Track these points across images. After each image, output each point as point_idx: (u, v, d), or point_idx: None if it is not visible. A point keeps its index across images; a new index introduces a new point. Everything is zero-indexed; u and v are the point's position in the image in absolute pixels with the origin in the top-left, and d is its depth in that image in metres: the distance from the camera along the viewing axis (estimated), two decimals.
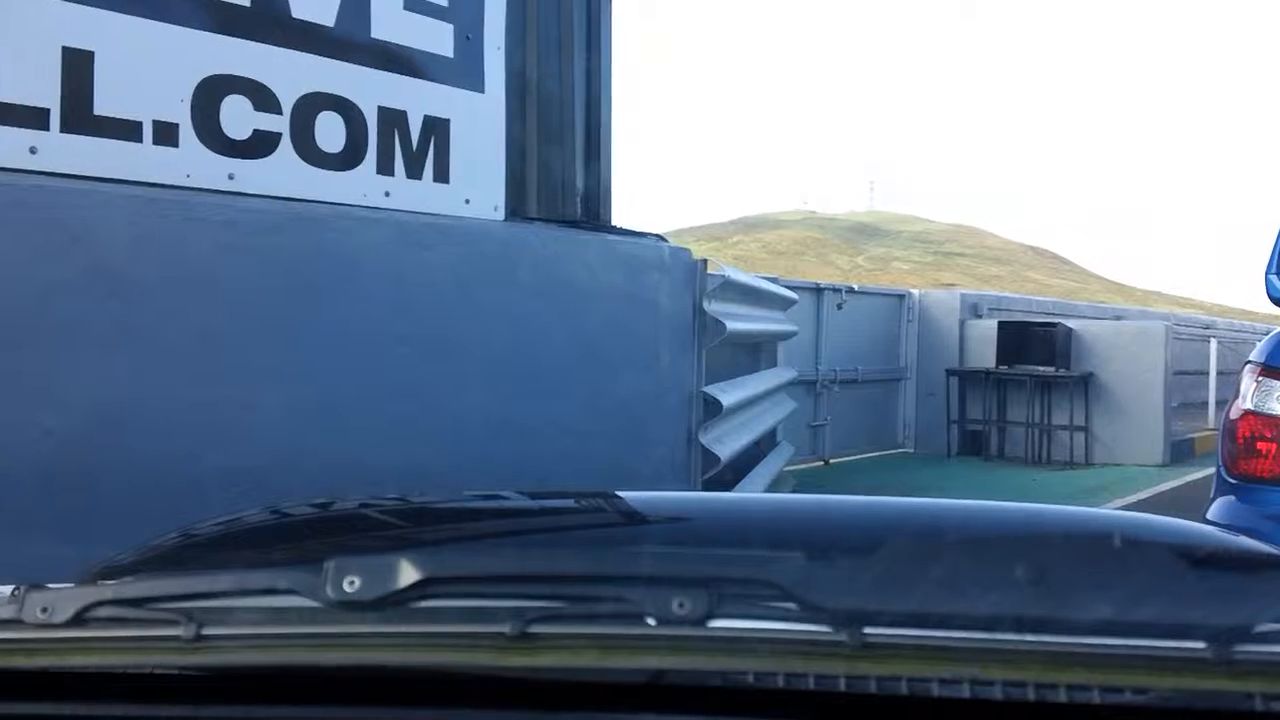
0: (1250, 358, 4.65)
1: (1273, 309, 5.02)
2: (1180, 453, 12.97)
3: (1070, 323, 13.63)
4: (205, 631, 1.00)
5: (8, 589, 1.11)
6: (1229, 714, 0.90)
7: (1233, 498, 4.58)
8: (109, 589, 1.11)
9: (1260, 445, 4.46)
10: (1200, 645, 0.90)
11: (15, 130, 3.53)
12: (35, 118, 3.57)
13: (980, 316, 14.01)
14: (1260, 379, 4.50)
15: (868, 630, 0.93)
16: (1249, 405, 4.51)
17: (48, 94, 3.60)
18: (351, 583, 1.02)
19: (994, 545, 1.31)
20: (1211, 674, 0.90)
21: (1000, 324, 13.41)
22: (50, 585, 1.10)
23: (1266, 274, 4.91)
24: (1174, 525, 1.46)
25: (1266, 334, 4.72)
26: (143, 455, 3.55)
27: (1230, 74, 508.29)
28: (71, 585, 1.14)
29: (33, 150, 3.55)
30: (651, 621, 0.97)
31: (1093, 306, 21.09)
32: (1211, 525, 4.31)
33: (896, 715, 0.94)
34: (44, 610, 1.04)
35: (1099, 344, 13.16)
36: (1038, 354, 13.00)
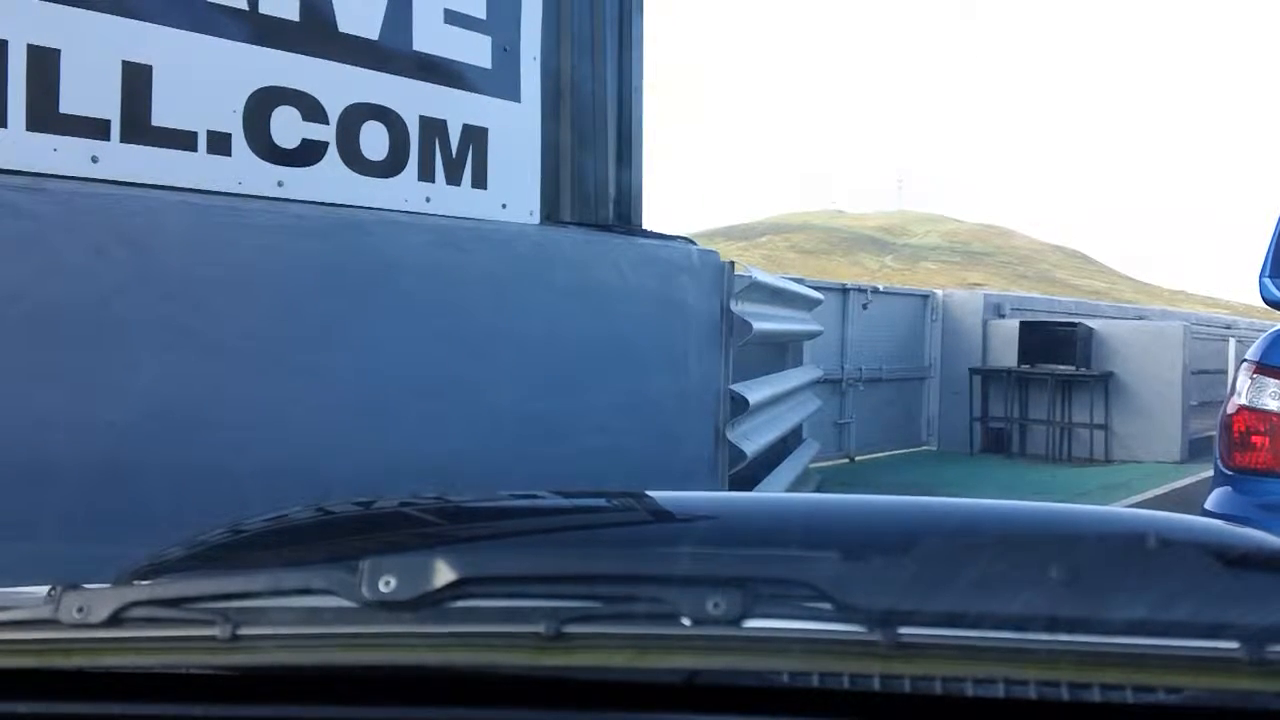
0: (1246, 356, 4.80)
1: None
2: (1198, 450, 12.94)
3: (1091, 323, 13.69)
4: (241, 631, 1.00)
5: (44, 589, 1.11)
6: (1262, 714, 0.91)
7: (1229, 488, 4.75)
8: (145, 589, 1.12)
9: (1254, 439, 4.62)
10: (1233, 645, 0.90)
11: (78, 140, 3.61)
12: (97, 128, 3.66)
13: (1003, 316, 14.08)
14: (1254, 376, 4.66)
15: (902, 630, 0.93)
16: (1243, 401, 4.67)
17: (109, 106, 3.68)
18: (387, 583, 1.02)
19: (1027, 545, 1.30)
20: (1245, 674, 0.89)
21: (1022, 324, 13.49)
22: (86, 585, 1.09)
23: (1260, 277, 5.03)
24: (1208, 525, 1.44)
25: None
26: (194, 450, 3.64)
27: (1251, 78, 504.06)
28: (108, 585, 1.14)
29: (94, 159, 3.64)
30: (686, 621, 0.97)
31: (1114, 306, 21.07)
32: (1209, 515, 4.47)
33: (931, 715, 0.94)
34: (80, 610, 1.04)
35: (1119, 344, 13.24)
36: (1059, 353, 13.10)
